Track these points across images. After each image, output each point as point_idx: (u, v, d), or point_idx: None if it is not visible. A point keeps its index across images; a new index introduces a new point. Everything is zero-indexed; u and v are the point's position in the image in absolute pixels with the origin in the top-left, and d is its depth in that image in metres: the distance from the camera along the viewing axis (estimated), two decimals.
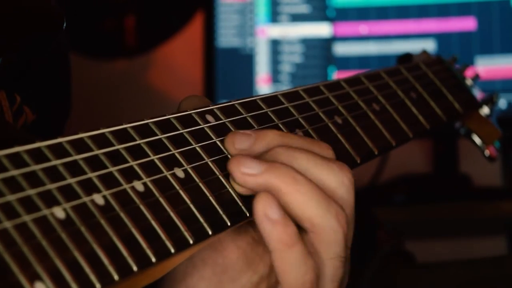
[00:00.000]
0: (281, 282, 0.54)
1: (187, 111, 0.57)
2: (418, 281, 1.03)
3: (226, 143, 0.57)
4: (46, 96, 0.70)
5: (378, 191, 1.61)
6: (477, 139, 0.91)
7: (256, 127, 0.60)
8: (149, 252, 0.48)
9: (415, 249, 1.26)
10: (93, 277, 0.44)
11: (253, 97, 0.62)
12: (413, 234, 1.58)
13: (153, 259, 0.48)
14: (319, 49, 1.68)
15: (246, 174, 0.54)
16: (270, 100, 0.63)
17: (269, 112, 0.62)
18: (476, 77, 0.92)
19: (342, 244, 0.55)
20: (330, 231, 0.54)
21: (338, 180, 0.56)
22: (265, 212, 0.52)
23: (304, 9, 1.69)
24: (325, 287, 0.55)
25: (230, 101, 0.60)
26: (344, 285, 0.57)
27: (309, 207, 0.54)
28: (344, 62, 1.67)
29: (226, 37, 1.71)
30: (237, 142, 0.56)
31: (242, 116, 0.60)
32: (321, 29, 1.69)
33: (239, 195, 0.55)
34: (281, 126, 0.62)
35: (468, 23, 1.63)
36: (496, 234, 1.64)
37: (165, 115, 0.55)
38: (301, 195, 0.54)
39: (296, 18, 1.69)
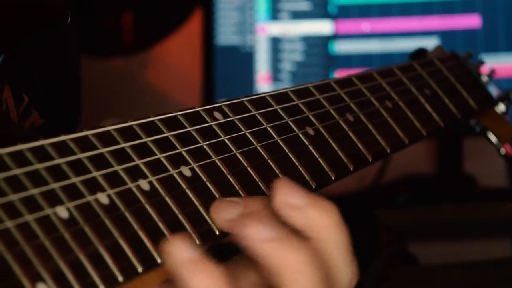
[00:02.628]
0: None
1: (195, 107, 0.56)
2: (422, 283, 1.03)
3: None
4: (54, 101, 0.69)
5: (380, 192, 1.60)
6: (492, 137, 0.90)
7: (265, 124, 0.59)
8: (154, 253, 0.47)
9: (418, 251, 1.26)
10: (96, 278, 0.44)
11: (262, 93, 0.62)
12: (416, 236, 1.57)
13: (159, 260, 0.47)
14: (320, 47, 1.67)
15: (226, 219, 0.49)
16: (280, 96, 0.62)
17: (278, 109, 0.61)
18: (491, 74, 0.91)
19: None
20: None
21: (351, 273, 0.51)
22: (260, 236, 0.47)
23: (305, 6, 1.68)
24: None
25: (239, 98, 0.60)
26: None
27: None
28: (346, 60, 1.66)
29: (226, 35, 1.71)
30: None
31: (251, 114, 0.59)
32: (322, 27, 1.68)
33: (247, 194, 0.54)
34: (290, 124, 0.61)
35: (472, 21, 1.62)
36: (501, 236, 1.63)
37: (171, 112, 0.55)
38: (304, 281, 0.47)
39: (297, 15, 1.68)
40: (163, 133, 0.53)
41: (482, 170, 1.64)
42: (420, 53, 0.89)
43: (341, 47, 1.67)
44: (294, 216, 0.49)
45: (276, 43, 1.69)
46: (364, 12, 1.66)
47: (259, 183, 0.55)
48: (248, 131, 0.58)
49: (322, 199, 0.50)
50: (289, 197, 0.49)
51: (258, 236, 0.47)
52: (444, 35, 1.63)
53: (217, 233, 0.51)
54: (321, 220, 0.49)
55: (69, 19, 0.64)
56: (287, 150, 0.58)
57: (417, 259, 1.22)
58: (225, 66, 1.70)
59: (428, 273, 1.07)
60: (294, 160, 0.58)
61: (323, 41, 1.68)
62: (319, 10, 1.68)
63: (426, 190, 1.65)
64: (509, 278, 1.01)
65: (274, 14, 1.69)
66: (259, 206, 0.49)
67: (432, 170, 1.73)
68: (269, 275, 0.48)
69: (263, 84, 1.68)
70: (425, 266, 1.20)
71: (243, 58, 1.69)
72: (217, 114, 0.57)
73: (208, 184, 0.52)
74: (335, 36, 1.67)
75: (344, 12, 1.67)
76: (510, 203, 1.56)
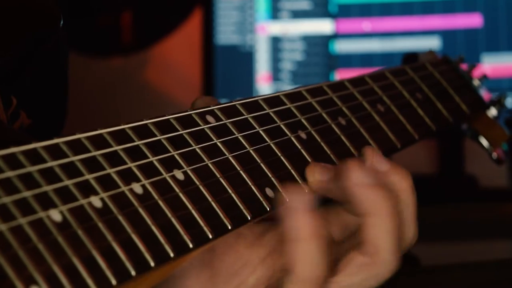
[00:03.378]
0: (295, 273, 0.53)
1: (188, 111, 0.56)
2: (423, 284, 1.03)
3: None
4: (42, 101, 0.69)
5: None
6: (484, 142, 0.90)
7: (257, 128, 0.59)
8: (147, 256, 0.47)
9: (419, 252, 1.25)
10: (90, 282, 0.44)
11: (254, 97, 0.61)
12: (417, 236, 1.56)
13: (152, 263, 0.47)
14: (320, 47, 1.67)
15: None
16: (272, 100, 0.62)
17: (271, 113, 0.61)
18: (483, 78, 0.91)
19: (378, 283, 0.56)
20: (383, 270, 0.55)
21: (414, 231, 0.58)
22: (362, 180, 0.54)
23: (305, 5, 1.68)
24: None
25: (231, 101, 0.60)
26: None
27: (386, 238, 0.54)
28: (347, 60, 1.66)
29: (225, 34, 1.70)
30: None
31: (243, 117, 0.59)
32: (323, 26, 1.68)
33: (240, 198, 0.54)
34: (283, 128, 0.61)
35: (474, 20, 1.62)
36: (503, 236, 1.62)
37: (164, 115, 0.55)
38: (385, 224, 0.54)
39: (297, 14, 1.68)
40: (156, 136, 0.53)
41: (484, 171, 1.63)
42: (412, 57, 0.89)
43: (342, 47, 1.67)
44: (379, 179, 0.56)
45: (276, 42, 1.68)
46: (365, 11, 1.65)
47: (252, 187, 0.55)
48: (241, 134, 0.58)
49: (400, 167, 0.58)
50: (376, 163, 0.57)
51: (359, 180, 0.54)
52: (445, 34, 1.62)
53: (210, 236, 0.51)
54: (400, 184, 0.57)
55: (62, 22, 0.64)
56: (279, 154, 0.58)
57: (418, 259, 1.21)
58: (225, 66, 1.70)
59: (429, 274, 1.07)
60: (286, 163, 0.58)
61: (324, 41, 1.67)
62: (320, 9, 1.67)
63: (427, 190, 1.64)
64: (509, 279, 1.01)
65: (274, 13, 1.69)
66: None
67: (433, 170, 1.72)
68: (357, 215, 0.55)
69: (263, 84, 1.68)
70: (426, 266, 1.20)
71: (243, 58, 1.69)
72: (209, 118, 0.57)
73: (201, 188, 0.52)
74: (336, 36, 1.67)
75: (344, 11, 1.66)
76: (511, 203, 1.55)
